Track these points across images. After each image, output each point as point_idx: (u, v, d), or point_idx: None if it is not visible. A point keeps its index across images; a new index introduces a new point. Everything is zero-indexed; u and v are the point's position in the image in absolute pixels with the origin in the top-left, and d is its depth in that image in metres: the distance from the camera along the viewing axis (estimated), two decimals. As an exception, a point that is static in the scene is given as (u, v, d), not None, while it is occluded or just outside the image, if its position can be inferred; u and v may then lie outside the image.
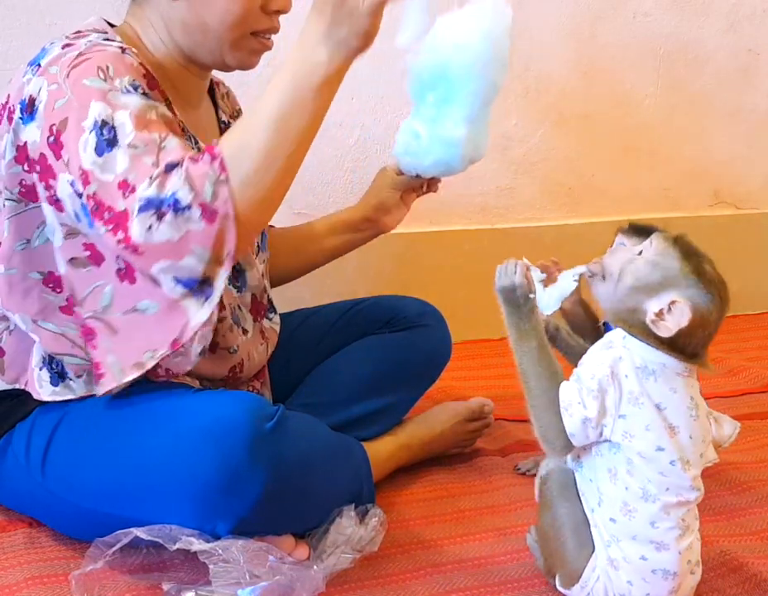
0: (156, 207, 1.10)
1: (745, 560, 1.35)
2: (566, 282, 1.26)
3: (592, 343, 1.20)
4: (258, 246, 1.49)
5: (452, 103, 1.29)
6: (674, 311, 1.12)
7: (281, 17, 1.33)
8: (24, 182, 1.23)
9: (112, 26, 1.31)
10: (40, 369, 1.29)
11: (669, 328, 1.12)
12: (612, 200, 2.37)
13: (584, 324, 1.35)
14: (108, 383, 1.23)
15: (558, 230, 2.28)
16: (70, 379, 1.28)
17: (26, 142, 1.20)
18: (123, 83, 1.17)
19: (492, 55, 1.27)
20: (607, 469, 1.16)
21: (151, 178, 1.11)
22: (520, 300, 1.15)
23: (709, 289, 1.12)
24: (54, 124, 1.17)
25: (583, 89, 2.27)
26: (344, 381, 1.56)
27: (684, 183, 2.46)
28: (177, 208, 1.09)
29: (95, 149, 1.13)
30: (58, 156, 1.17)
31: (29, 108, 1.19)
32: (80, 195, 1.16)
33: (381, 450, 1.52)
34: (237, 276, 1.41)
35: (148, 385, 1.25)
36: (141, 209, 1.10)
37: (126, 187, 1.12)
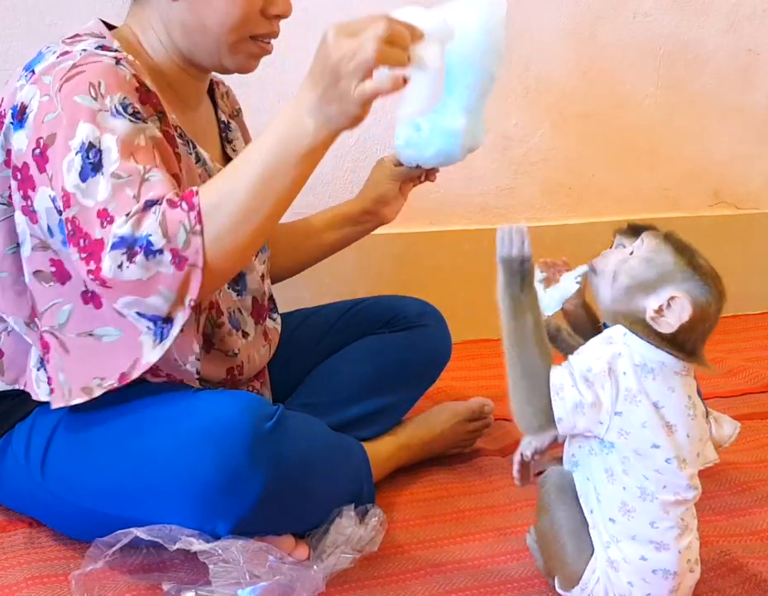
0: (129, 246, 1.10)
1: (745, 560, 1.35)
2: (568, 283, 1.26)
3: None
4: (258, 245, 1.49)
5: (451, 95, 1.29)
6: (673, 307, 1.11)
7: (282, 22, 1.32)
8: (12, 186, 1.23)
9: (111, 27, 1.31)
10: (38, 370, 1.29)
11: (670, 323, 1.12)
12: (612, 200, 2.37)
13: (585, 326, 1.35)
14: (58, 400, 1.25)
15: (558, 230, 2.28)
16: None
17: (11, 149, 1.21)
18: (114, 102, 1.16)
19: (489, 45, 1.28)
20: (604, 469, 1.16)
21: (128, 215, 1.11)
22: (521, 271, 1.12)
23: (706, 281, 1.12)
24: (41, 137, 1.17)
25: (583, 89, 2.27)
26: (344, 381, 1.56)
27: (684, 183, 2.46)
28: (149, 250, 1.10)
29: (79, 173, 1.14)
30: (42, 170, 1.18)
31: (19, 115, 1.20)
32: (60, 213, 1.17)
33: (381, 450, 1.52)
34: (237, 279, 1.41)
35: (148, 385, 1.25)
36: (114, 246, 1.11)
37: (105, 216, 1.12)
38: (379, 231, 1.64)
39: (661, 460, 1.14)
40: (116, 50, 1.22)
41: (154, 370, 1.22)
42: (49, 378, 1.26)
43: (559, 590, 1.23)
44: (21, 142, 1.19)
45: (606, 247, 1.27)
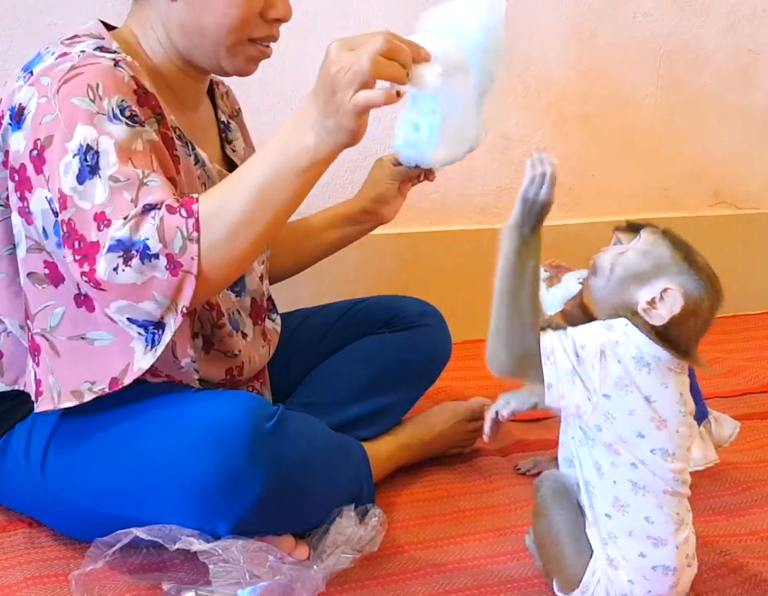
0: (125, 249, 1.11)
1: (744, 560, 1.35)
2: (570, 284, 1.26)
3: None
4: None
5: None
6: (666, 299, 1.12)
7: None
8: (9, 188, 1.23)
9: (111, 28, 1.31)
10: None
11: (661, 316, 1.12)
12: (612, 200, 2.37)
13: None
14: (45, 404, 1.25)
15: (558, 230, 2.28)
16: None
17: (9, 150, 1.21)
18: (111, 104, 1.16)
19: (488, 44, 1.28)
20: (593, 463, 1.16)
21: (126, 218, 1.11)
22: (538, 215, 1.10)
23: (701, 276, 1.13)
24: (39, 139, 1.17)
25: (583, 89, 2.27)
26: (344, 381, 1.56)
27: (684, 183, 2.46)
28: (145, 254, 1.10)
29: (77, 176, 1.14)
30: (39, 171, 1.18)
31: (18, 116, 1.20)
32: (56, 214, 1.17)
33: (381, 450, 1.52)
34: (237, 280, 1.41)
35: (148, 385, 1.25)
36: (111, 249, 1.11)
37: (102, 219, 1.13)
38: (379, 231, 1.64)
39: (646, 450, 1.14)
40: (114, 52, 1.22)
41: (154, 370, 1.22)
42: (38, 381, 1.26)
43: (558, 593, 1.23)
44: (19, 144, 1.19)
45: (606, 246, 1.27)
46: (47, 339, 1.25)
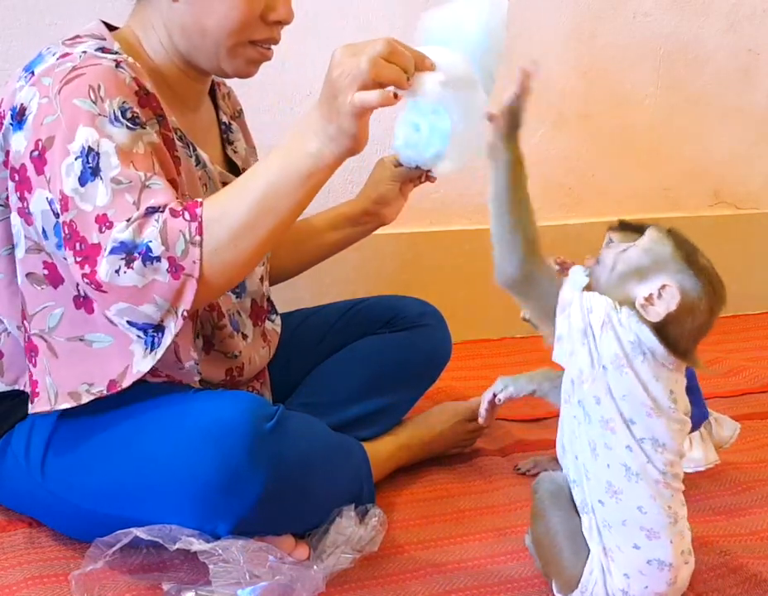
0: (128, 251, 1.11)
1: (744, 560, 1.35)
2: (579, 277, 1.26)
3: None
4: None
5: None
6: (663, 296, 1.12)
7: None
8: (9, 188, 1.23)
9: (112, 29, 1.31)
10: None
11: (658, 312, 1.12)
12: (612, 200, 2.37)
13: None
14: (41, 405, 1.25)
15: (558, 230, 2.28)
16: None
17: (9, 150, 1.21)
18: (112, 106, 1.16)
19: (489, 45, 1.28)
20: (588, 442, 1.16)
21: (129, 220, 1.12)
22: (519, 125, 1.15)
23: (700, 276, 1.13)
24: (40, 139, 1.17)
25: (583, 89, 2.27)
26: (344, 381, 1.56)
27: (684, 183, 2.46)
28: (147, 257, 1.11)
29: (79, 178, 1.14)
30: (39, 172, 1.18)
31: (19, 116, 1.20)
32: (57, 216, 1.17)
33: (381, 450, 1.52)
34: None
35: (148, 385, 1.25)
36: (113, 251, 1.11)
37: (103, 221, 1.13)
38: (379, 231, 1.64)
39: (638, 437, 1.14)
40: (116, 53, 1.22)
41: (154, 371, 1.22)
42: (34, 382, 1.26)
43: (557, 594, 1.23)
44: (20, 144, 1.19)
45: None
46: (45, 340, 1.25)
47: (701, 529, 1.26)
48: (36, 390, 1.25)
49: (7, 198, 1.24)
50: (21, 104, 1.20)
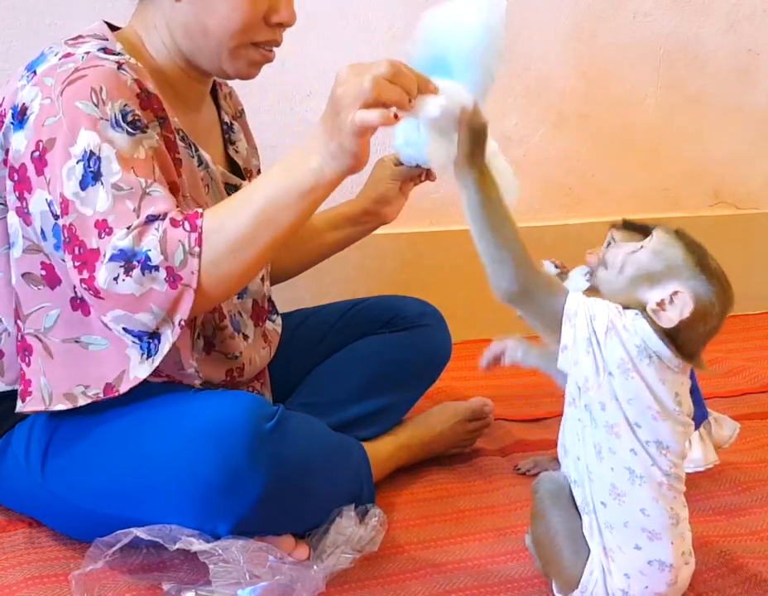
0: (127, 259, 1.11)
1: (745, 560, 1.35)
2: (579, 279, 1.26)
3: None
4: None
5: None
6: (676, 302, 1.11)
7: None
8: (7, 187, 1.23)
9: (115, 29, 1.31)
10: None
11: (670, 318, 1.11)
12: (612, 200, 2.37)
13: None
14: (34, 404, 1.25)
15: (558, 230, 2.28)
16: None
17: (9, 148, 1.21)
18: (114, 110, 1.16)
19: (489, 43, 1.28)
20: (593, 444, 1.16)
21: (129, 228, 1.12)
22: (483, 141, 1.11)
23: (712, 281, 1.12)
24: (41, 140, 1.17)
25: (583, 89, 2.27)
26: (344, 381, 1.56)
27: (684, 183, 2.46)
28: (146, 265, 1.11)
29: (80, 182, 1.14)
30: (39, 173, 1.18)
31: (20, 116, 1.20)
32: (56, 217, 1.17)
33: (381, 450, 1.52)
34: None
35: (148, 385, 1.25)
36: (113, 258, 1.12)
37: (103, 227, 1.13)
38: (379, 231, 1.64)
39: (643, 440, 1.14)
40: (118, 54, 1.22)
41: (154, 371, 1.22)
42: (27, 381, 1.26)
43: (557, 594, 1.22)
44: (20, 143, 1.19)
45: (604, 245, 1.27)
46: (40, 340, 1.25)
47: (701, 529, 1.26)
48: (30, 389, 1.25)
49: (5, 197, 1.24)
50: (23, 104, 1.20)
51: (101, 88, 1.16)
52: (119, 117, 1.17)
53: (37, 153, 1.17)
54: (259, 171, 1.56)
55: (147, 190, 1.15)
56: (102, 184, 1.14)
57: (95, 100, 1.16)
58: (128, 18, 1.34)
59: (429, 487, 1.56)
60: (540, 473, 1.31)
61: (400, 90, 1.05)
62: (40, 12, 1.78)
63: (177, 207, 1.17)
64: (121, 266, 1.12)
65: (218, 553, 1.17)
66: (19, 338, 1.27)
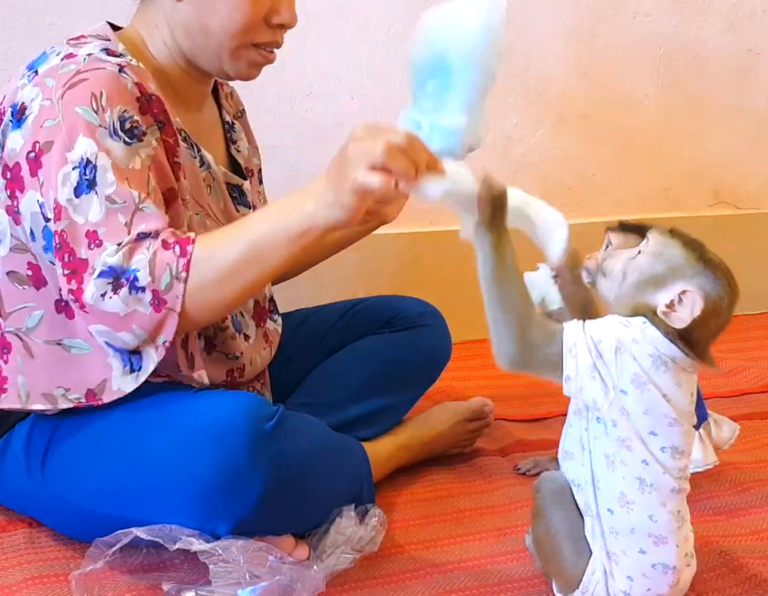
0: (116, 277, 1.13)
1: (745, 561, 1.35)
2: (545, 281, 1.26)
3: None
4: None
5: (451, 92, 1.29)
6: (685, 301, 1.11)
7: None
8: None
9: (117, 29, 1.31)
10: None
11: (682, 318, 1.11)
12: (612, 200, 2.37)
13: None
14: (9, 402, 1.26)
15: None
16: None
17: (5, 146, 1.21)
18: (113, 117, 1.17)
19: (489, 43, 1.28)
20: (605, 455, 1.15)
21: (119, 245, 1.13)
22: (501, 206, 1.13)
23: (717, 275, 1.12)
24: (38, 142, 1.17)
25: (583, 89, 2.27)
26: (344, 381, 1.56)
27: (684, 183, 2.46)
28: (133, 285, 1.12)
29: (74, 188, 1.15)
30: (33, 173, 1.18)
31: (19, 115, 1.20)
32: (47, 220, 1.18)
33: (381, 450, 1.52)
34: None
35: (148, 385, 1.25)
36: (102, 274, 1.13)
37: (93, 238, 1.14)
38: (379, 231, 1.64)
39: (656, 448, 1.13)
40: (120, 55, 1.22)
41: (154, 371, 1.22)
42: (3, 378, 1.26)
43: (558, 594, 1.22)
44: (17, 142, 1.19)
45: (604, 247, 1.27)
46: (21, 339, 1.25)
47: (701, 529, 1.26)
48: (5, 386, 1.26)
49: None
50: (22, 103, 1.20)
51: (101, 94, 1.17)
52: (117, 125, 1.17)
53: (33, 154, 1.17)
54: (260, 171, 1.56)
55: (140, 206, 1.16)
56: (96, 193, 1.15)
57: (95, 106, 1.16)
58: (128, 18, 1.34)
59: (429, 488, 1.56)
60: (540, 473, 1.31)
61: (408, 163, 1.06)
62: (40, 12, 1.78)
63: (170, 226, 1.17)
64: (109, 283, 1.13)
65: (218, 553, 1.17)
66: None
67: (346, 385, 1.55)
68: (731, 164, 2.49)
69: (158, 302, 1.13)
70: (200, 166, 1.32)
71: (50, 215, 1.17)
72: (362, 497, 1.38)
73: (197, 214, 1.31)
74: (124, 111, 1.18)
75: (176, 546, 1.18)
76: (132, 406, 1.24)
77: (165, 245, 1.14)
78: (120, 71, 1.19)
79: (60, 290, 1.21)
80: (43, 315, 1.24)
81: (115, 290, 1.13)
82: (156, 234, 1.15)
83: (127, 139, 1.17)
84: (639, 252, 1.16)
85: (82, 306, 1.15)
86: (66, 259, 1.15)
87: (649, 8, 2.29)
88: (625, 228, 1.21)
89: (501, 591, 1.28)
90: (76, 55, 1.20)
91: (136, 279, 1.12)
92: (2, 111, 1.23)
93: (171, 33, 1.29)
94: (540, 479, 1.26)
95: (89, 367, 1.23)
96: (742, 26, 2.39)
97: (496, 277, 1.12)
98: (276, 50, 1.33)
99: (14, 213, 1.22)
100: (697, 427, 1.53)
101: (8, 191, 1.21)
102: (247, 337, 1.42)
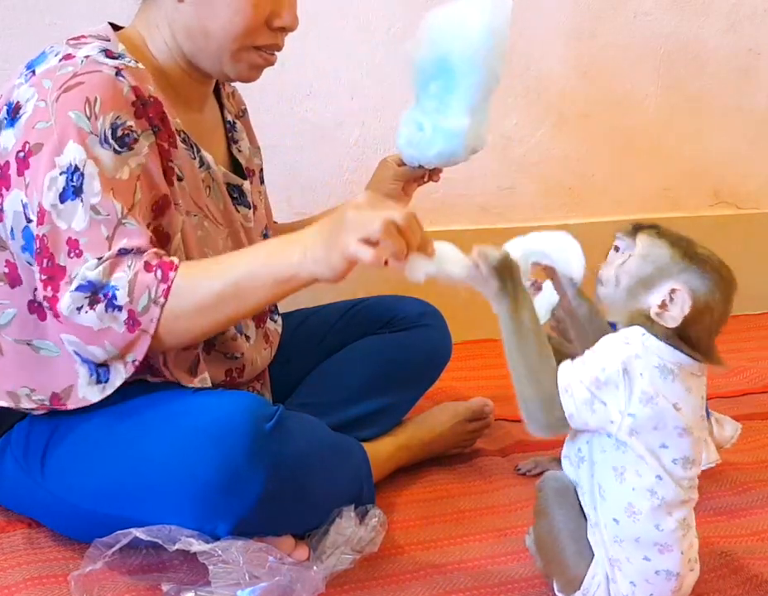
0: (94, 291, 1.13)
1: (746, 561, 1.35)
2: (550, 292, 1.25)
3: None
4: (261, 248, 1.48)
5: (454, 94, 1.29)
6: (675, 299, 1.10)
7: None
8: None
9: (118, 29, 1.31)
10: None
11: (674, 317, 1.10)
12: (612, 200, 2.37)
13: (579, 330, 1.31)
14: None
15: (558, 230, 2.28)
16: None
17: None
18: (105, 124, 1.17)
19: (493, 44, 1.27)
20: (613, 468, 1.15)
21: (100, 259, 1.14)
22: (509, 270, 1.12)
23: (705, 270, 1.11)
24: (29, 142, 1.17)
25: (583, 89, 2.27)
26: (344, 381, 1.56)
27: (684, 183, 2.46)
28: (111, 303, 1.13)
29: (60, 194, 1.15)
30: (20, 173, 1.18)
31: (13, 113, 1.20)
32: (29, 221, 1.18)
33: (381, 451, 1.52)
34: None
35: (147, 385, 1.25)
36: (80, 288, 1.14)
37: (74, 247, 1.15)
38: (379, 231, 1.64)
39: (668, 460, 1.13)
40: (119, 56, 1.22)
41: (153, 370, 1.22)
42: None
43: (559, 594, 1.22)
44: (8, 141, 1.19)
45: (606, 247, 1.26)
46: None
47: (702, 530, 1.25)
48: None
49: None
50: (17, 102, 1.20)
51: (96, 99, 1.17)
52: (109, 132, 1.17)
53: (22, 154, 1.18)
54: (261, 171, 1.56)
55: (123, 221, 1.16)
56: (82, 201, 1.15)
57: (88, 112, 1.16)
58: (129, 19, 1.34)
59: (429, 488, 1.56)
60: (540, 473, 1.31)
61: (403, 243, 1.08)
62: (40, 12, 1.78)
63: (155, 243, 1.18)
64: (86, 297, 1.14)
65: (218, 554, 1.17)
66: None
67: (346, 385, 1.55)
68: (731, 164, 2.49)
69: (133, 322, 1.14)
70: (200, 167, 1.32)
71: (33, 217, 1.17)
72: (362, 498, 1.37)
73: (195, 216, 1.31)
74: (117, 117, 1.18)
75: (176, 547, 1.18)
76: (130, 406, 1.24)
77: (148, 267, 1.14)
78: (117, 74, 1.19)
79: (35, 290, 1.22)
80: (16, 314, 1.25)
81: (92, 305, 1.14)
82: (138, 251, 1.15)
83: (117, 147, 1.18)
84: (629, 256, 1.16)
85: (56, 315, 1.16)
86: (45, 264, 1.16)
87: (649, 8, 2.29)
88: (637, 228, 1.20)
89: (502, 592, 1.28)
90: (74, 57, 1.20)
91: (114, 297, 1.13)
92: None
93: (172, 34, 1.29)
94: (543, 478, 1.25)
95: (57, 370, 1.23)
96: (742, 26, 2.39)
97: (516, 343, 1.12)
98: (279, 59, 1.33)
99: None
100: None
101: None
102: (247, 337, 1.42)
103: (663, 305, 1.11)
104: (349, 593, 1.26)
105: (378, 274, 2.16)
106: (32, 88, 1.19)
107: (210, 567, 1.17)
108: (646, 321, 1.13)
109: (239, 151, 1.47)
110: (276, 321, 1.56)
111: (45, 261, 1.16)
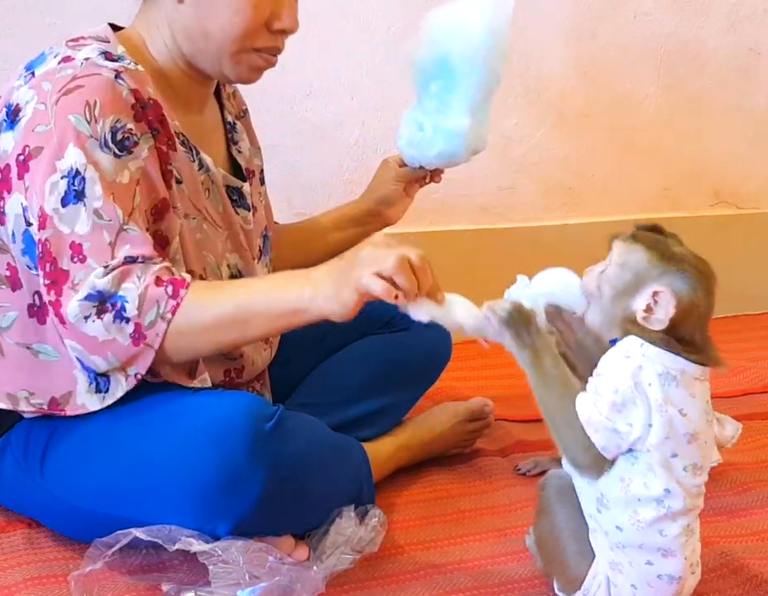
0: (102, 301, 1.14)
1: (745, 561, 1.35)
2: (524, 283, 1.26)
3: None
4: (260, 250, 1.48)
5: (455, 94, 1.29)
6: (660, 302, 1.10)
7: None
8: None
9: (118, 29, 1.31)
10: None
11: (660, 320, 1.10)
12: (612, 200, 2.37)
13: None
14: None
15: (558, 230, 2.28)
16: None
17: None
18: (104, 128, 1.17)
19: (494, 44, 1.27)
20: (620, 478, 1.13)
21: (106, 267, 1.14)
22: (522, 320, 1.13)
23: (683, 269, 1.10)
24: (28, 145, 1.17)
25: (583, 89, 2.27)
26: (344, 381, 1.56)
27: (684, 183, 2.46)
28: (119, 314, 1.14)
29: (62, 198, 1.15)
30: (20, 176, 1.18)
31: (13, 116, 1.20)
32: (29, 224, 1.18)
33: (381, 451, 1.52)
34: None
35: (147, 385, 1.25)
36: (89, 298, 1.14)
37: (77, 252, 1.15)
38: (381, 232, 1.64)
39: (679, 468, 1.12)
40: (118, 58, 1.22)
41: (153, 370, 1.22)
42: None
43: (559, 594, 1.22)
44: (8, 144, 1.19)
45: (606, 246, 1.26)
46: None
47: (702, 530, 1.25)
48: None
49: None
50: (17, 104, 1.20)
51: (95, 103, 1.16)
52: (109, 136, 1.17)
53: (22, 157, 1.18)
54: (262, 171, 1.55)
55: (124, 227, 1.16)
56: (84, 205, 1.15)
57: (88, 116, 1.16)
58: (129, 19, 1.34)
59: (429, 488, 1.56)
60: (540, 473, 1.31)
61: (414, 284, 1.11)
62: (40, 12, 1.78)
63: (156, 252, 1.18)
64: (94, 307, 1.14)
65: (218, 554, 1.17)
66: None
67: (346, 385, 1.55)
68: (731, 164, 2.49)
69: (138, 336, 1.14)
70: (199, 170, 1.32)
71: (33, 221, 1.17)
72: (362, 498, 1.37)
73: (194, 218, 1.31)
74: (117, 120, 1.18)
75: (176, 547, 1.18)
76: (130, 406, 1.24)
77: (158, 282, 1.15)
78: (116, 77, 1.19)
79: (34, 294, 1.22)
80: (17, 317, 1.25)
81: (99, 314, 1.14)
82: (144, 260, 1.15)
83: (117, 151, 1.17)
84: (608, 265, 1.15)
85: (62, 320, 1.16)
86: (48, 269, 1.16)
87: (649, 8, 2.29)
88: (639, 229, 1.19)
89: (502, 592, 1.28)
90: (73, 59, 1.20)
91: (123, 308, 1.14)
92: None
93: (172, 35, 1.29)
94: (546, 477, 1.25)
95: (56, 375, 1.23)
96: (743, 26, 2.39)
97: (542, 391, 1.14)
98: (280, 60, 1.33)
99: (0, 214, 1.22)
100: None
101: None
102: (247, 338, 1.42)
103: (648, 309, 1.11)
104: (349, 593, 1.26)
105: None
106: (32, 90, 1.19)
107: (210, 567, 1.17)
108: (635, 327, 1.12)
109: (239, 152, 1.47)
110: (276, 321, 1.55)
111: (47, 265, 1.16)
